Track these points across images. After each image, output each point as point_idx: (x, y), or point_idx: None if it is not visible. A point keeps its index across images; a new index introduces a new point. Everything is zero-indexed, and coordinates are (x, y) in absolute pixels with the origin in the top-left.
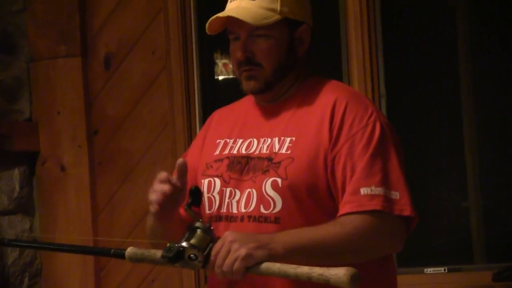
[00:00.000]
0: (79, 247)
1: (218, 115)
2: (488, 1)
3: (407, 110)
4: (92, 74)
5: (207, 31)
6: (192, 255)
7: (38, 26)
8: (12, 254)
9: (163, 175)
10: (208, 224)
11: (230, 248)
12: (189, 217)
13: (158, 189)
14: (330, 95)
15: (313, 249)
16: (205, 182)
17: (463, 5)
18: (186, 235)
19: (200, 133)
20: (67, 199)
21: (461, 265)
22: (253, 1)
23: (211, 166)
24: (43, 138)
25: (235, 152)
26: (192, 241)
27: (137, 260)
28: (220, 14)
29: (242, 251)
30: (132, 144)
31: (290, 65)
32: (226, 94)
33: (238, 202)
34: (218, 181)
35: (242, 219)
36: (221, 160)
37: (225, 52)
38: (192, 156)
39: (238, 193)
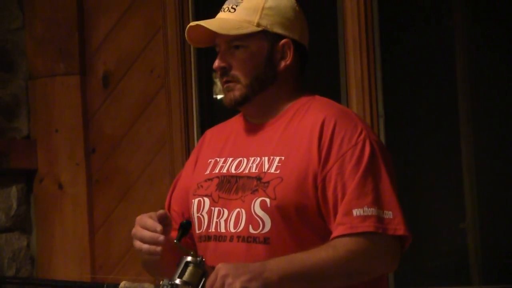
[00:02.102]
0: (73, 282)
1: (210, 134)
2: (486, 19)
3: (405, 130)
4: (90, 92)
5: (187, 40)
6: None
7: (37, 44)
8: (9, 272)
9: (149, 222)
10: (199, 258)
11: (224, 282)
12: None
13: (147, 238)
14: (319, 114)
15: (307, 275)
16: (195, 202)
17: (461, 25)
18: (179, 271)
19: (192, 154)
20: (65, 217)
21: (458, 287)
22: (232, 13)
23: (202, 186)
24: (41, 155)
25: (224, 171)
26: (185, 277)
27: None
28: (192, 23)
29: (237, 286)
30: (130, 163)
31: (269, 78)
32: (225, 113)
33: (226, 221)
34: (207, 201)
35: (231, 239)
36: (211, 179)
37: None
38: (185, 179)
39: (226, 212)
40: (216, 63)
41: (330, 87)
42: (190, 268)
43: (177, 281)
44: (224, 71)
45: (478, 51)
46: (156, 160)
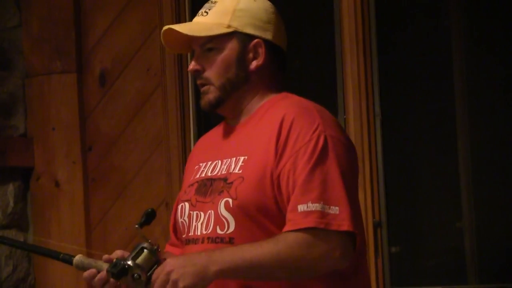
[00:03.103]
0: (32, 246)
1: (200, 142)
2: (483, 18)
3: (402, 130)
4: (87, 90)
5: (164, 45)
6: (135, 275)
7: (34, 42)
8: (5, 270)
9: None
10: (156, 246)
11: (169, 278)
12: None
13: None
14: (279, 112)
15: (247, 267)
16: (179, 208)
17: (458, 24)
18: (133, 254)
19: (186, 165)
20: (61, 214)
21: (454, 286)
22: (204, 17)
23: (185, 192)
24: (37, 153)
25: (203, 175)
26: (138, 260)
27: (83, 268)
28: (165, 27)
29: (180, 285)
30: (126, 161)
31: (242, 79)
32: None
33: (202, 224)
34: (187, 206)
35: (202, 240)
36: (192, 185)
37: None
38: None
39: (202, 215)
40: (190, 66)
41: (327, 86)
42: (144, 253)
43: (130, 262)
44: (198, 74)
45: (475, 51)
46: (153, 158)
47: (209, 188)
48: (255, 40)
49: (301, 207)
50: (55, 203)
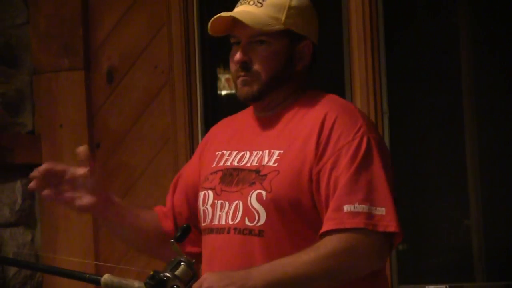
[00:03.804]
0: (54, 268)
1: (216, 129)
2: (490, 15)
3: (410, 127)
4: (94, 87)
5: (208, 30)
6: (174, 286)
7: (41, 39)
8: (13, 267)
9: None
10: (192, 260)
11: None
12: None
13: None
14: (321, 109)
15: (289, 281)
16: (201, 195)
17: (466, 22)
18: (170, 267)
19: (195, 152)
20: (69, 212)
21: (462, 283)
22: (259, 8)
23: (207, 179)
24: (45, 150)
25: (228, 164)
26: (177, 272)
27: (112, 287)
28: (223, 14)
29: None
30: (134, 158)
31: (287, 77)
32: (229, 109)
33: (227, 214)
34: (211, 194)
35: (228, 231)
36: (215, 172)
37: (228, 67)
38: (187, 172)
39: (227, 205)
40: (239, 56)
41: (335, 84)
42: (182, 266)
43: (168, 273)
44: (245, 65)
45: (483, 48)
46: (160, 155)
47: (235, 177)
48: (305, 42)
49: (347, 207)
50: None
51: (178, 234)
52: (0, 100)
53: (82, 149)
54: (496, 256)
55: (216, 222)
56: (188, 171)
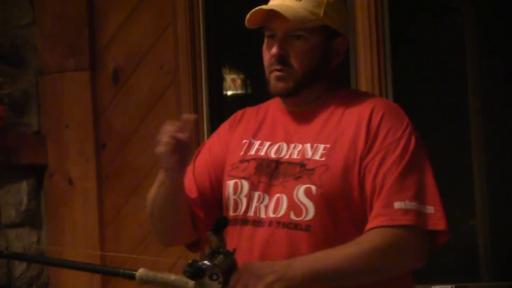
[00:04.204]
0: (88, 265)
1: (243, 115)
2: (496, 14)
3: (415, 126)
4: (100, 88)
5: (246, 23)
6: (213, 275)
7: (47, 40)
8: (19, 267)
9: (167, 127)
10: (232, 251)
11: (248, 284)
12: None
13: (165, 139)
14: (367, 105)
15: (331, 274)
16: (230, 184)
17: (471, 20)
18: (209, 256)
19: (224, 126)
20: (75, 212)
21: (468, 283)
22: (298, 2)
23: (237, 167)
24: (51, 151)
25: (262, 154)
26: (216, 261)
27: (148, 281)
28: (264, 7)
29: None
30: (140, 159)
31: (321, 74)
32: (234, 109)
33: (266, 207)
34: (245, 184)
35: (270, 224)
36: (247, 161)
37: (234, 67)
38: (215, 145)
39: (267, 197)
40: (275, 50)
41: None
42: (221, 256)
43: (207, 261)
44: (282, 59)
45: (489, 46)
46: None
47: (274, 170)
48: (340, 38)
49: (398, 204)
50: (69, 201)
51: (215, 226)
52: (6, 101)
53: (188, 116)
54: (502, 256)
55: (251, 214)
56: (217, 141)
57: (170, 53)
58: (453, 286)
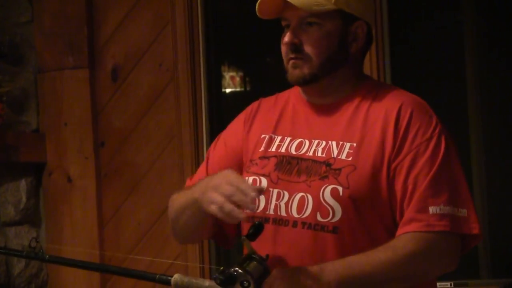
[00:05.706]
0: (123, 269)
1: (259, 107)
2: (495, 13)
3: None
4: (99, 86)
5: (258, 13)
6: (245, 282)
7: (46, 38)
8: (18, 265)
9: (245, 184)
10: (265, 257)
11: None
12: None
13: (237, 199)
14: (394, 101)
15: (365, 279)
16: (249, 180)
17: (471, 19)
18: (241, 262)
19: (239, 119)
20: (74, 210)
21: (467, 280)
22: None
23: (256, 164)
24: (50, 149)
25: (283, 151)
26: (248, 268)
27: (183, 287)
28: None
29: None
30: (139, 157)
31: (341, 60)
32: (233, 107)
33: (287, 204)
34: (264, 181)
35: (294, 224)
36: (267, 158)
37: (233, 65)
38: (231, 140)
39: (286, 195)
40: (288, 38)
41: None
42: (254, 263)
43: (239, 268)
44: (295, 48)
45: (488, 46)
46: (165, 154)
47: (294, 166)
48: (357, 22)
49: (433, 209)
50: (68, 199)
51: (251, 231)
52: (5, 99)
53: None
54: (501, 253)
55: (271, 212)
56: (237, 132)
57: (169, 51)
58: (452, 283)
